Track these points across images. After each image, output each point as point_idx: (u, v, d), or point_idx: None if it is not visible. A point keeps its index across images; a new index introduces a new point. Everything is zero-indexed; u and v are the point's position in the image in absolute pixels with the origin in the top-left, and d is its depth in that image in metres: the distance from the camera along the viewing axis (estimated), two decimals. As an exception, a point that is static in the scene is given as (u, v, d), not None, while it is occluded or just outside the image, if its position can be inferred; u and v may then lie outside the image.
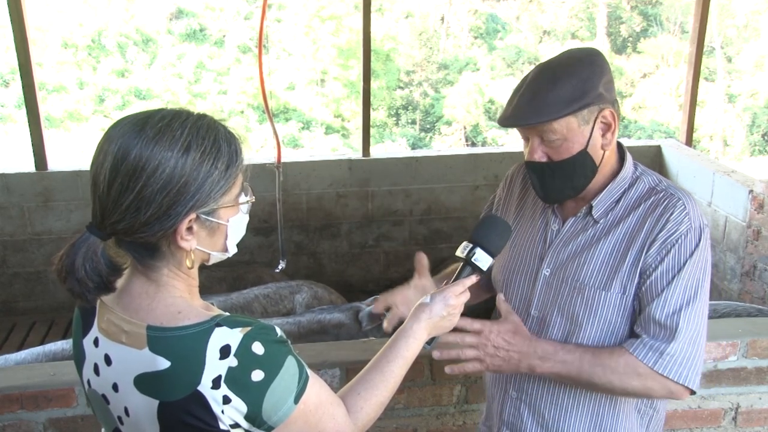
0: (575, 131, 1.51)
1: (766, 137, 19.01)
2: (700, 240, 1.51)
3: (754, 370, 2.34)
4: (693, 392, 1.53)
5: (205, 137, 1.14)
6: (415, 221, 5.01)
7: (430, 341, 1.51)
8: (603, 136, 1.54)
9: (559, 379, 1.60)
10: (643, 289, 1.53)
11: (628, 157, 1.62)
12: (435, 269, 5.68)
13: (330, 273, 4.98)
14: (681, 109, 5.34)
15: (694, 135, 5.55)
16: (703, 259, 1.52)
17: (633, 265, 1.53)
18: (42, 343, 4.24)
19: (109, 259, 1.16)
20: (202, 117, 1.18)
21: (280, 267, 4.06)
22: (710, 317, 3.14)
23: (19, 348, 4.15)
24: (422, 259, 1.73)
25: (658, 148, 5.18)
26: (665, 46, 20.57)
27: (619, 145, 1.63)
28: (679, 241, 1.51)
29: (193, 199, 1.13)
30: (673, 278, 1.50)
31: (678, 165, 4.93)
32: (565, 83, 1.48)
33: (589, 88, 1.49)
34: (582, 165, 1.54)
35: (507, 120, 1.53)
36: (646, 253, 1.52)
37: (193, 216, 1.15)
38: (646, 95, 20.02)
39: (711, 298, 4.27)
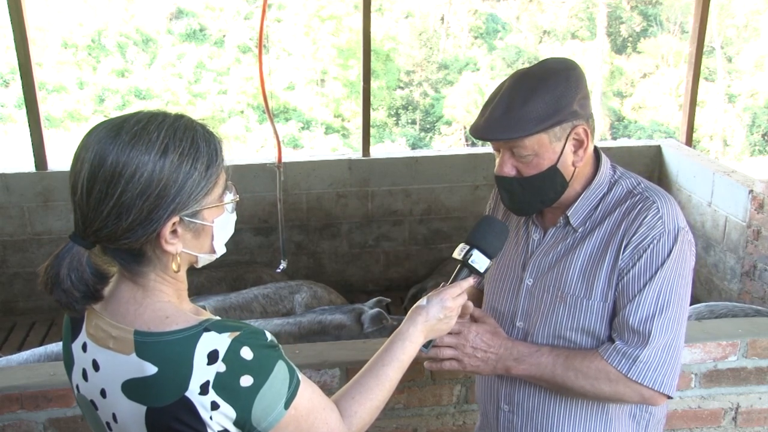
0: (546, 147, 1.49)
1: (766, 137, 19.01)
2: (674, 244, 1.48)
3: (754, 370, 2.34)
4: (670, 397, 1.52)
5: (182, 138, 1.12)
6: (415, 221, 5.01)
7: (427, 344, 1.50)
8: (575, 153, 1.52)
9: (534, 382, 1.60)
10: (617, 293, 1.52)
11: (604, 162, 1.60)
12: (435, 269, 5.65)
13: (330, 273, 4.98)
14: (681, 109, 5.34)
15: (694, 135, 5.54)
16: (678, 264, 1.49)
17: (610, 271, 1.52)
18: (42, 343, 4.24)
19: (95, 268, 1.15)
20: (179, 118, 1.15)
21: (281, 267, 4.06)
22: (708, 318, 3.15)
23: (19, 348, 4.15)
24: None
25: (658, 148, 5.18)
26: (665, 46, 20.58)
27: (596, 151, 1.61)
28: (652, 245, 1.48)
29: (174, 201, 1.11)
30: (645, 284, 1.48)
31: (678, 165, 4.93)
32: (539, 99, 1.46)
33: (562, 106, 1.47)
34: (551, 181, 1.52)
35: (478, 132, 1.51)
36: (620, 258, 1.51)
37: (176, 219, 1.13)
38: (646, 95, 20.03)
39: (711, 299, 4.29)
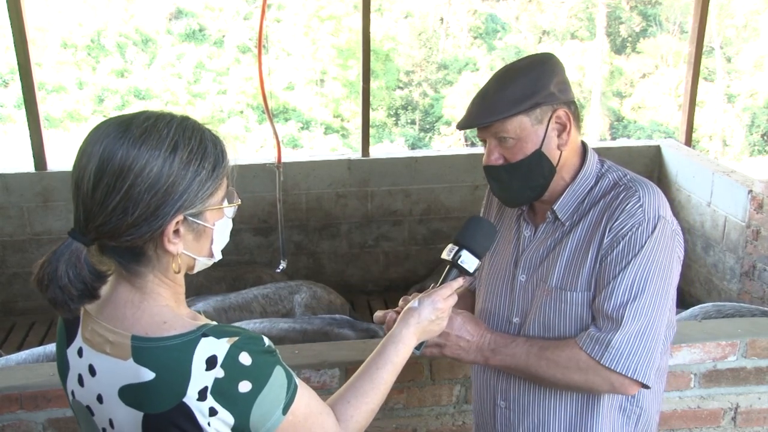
0: (528, 131, 1.52)
1: (765, 137, 19.02)
2: (653, 233, 1.48)
3: (753, 370, 2.34)
4: (645, 386, 1.51)
5: (191, 137, 1.13)
6: (415, 221, 5.01)
7: (419, 346, 1.50)
8: (559, 136, 1.55)
9: (512, 372, 1.62)
10: (596, 280, 1.53)
11: (590, 156, 1.62)
12: (434, 269, 5.63)
13: (329, 273, 4.98)
14: (680, 109, 5.34)
15: (694, 135, 5.55)
16: (656, 252, 1.49)
17: (593, 260, 1.53)
18: (42, 343, 4.24)
19: (92, 267, 1.13)
20: (186, 118, 1.16)
21: (280, 267, 4.05)
22: (714, 317, 3.15)
23: (19, 348, 4.15)
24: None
25: (658, 148, 5.18)
26: (665, 46, 20.58)
27: (584, 146, 1.63)
28: (630, 233, 1.49)
29: (181, 199, 1.11)
30: (620, 271, 1.48)
31: (677, 165, 4.93)
32: (515, 84, 1.51)
33: (539, 88, 1.51)
34: (538, 165, 1.54)
35: (462, 123, 1.58)
36: (602, 246, 1.52)
37: (180, 218, 1.13)
38: (646, 95, 20.03)
39: (711, 299, 4.29)
